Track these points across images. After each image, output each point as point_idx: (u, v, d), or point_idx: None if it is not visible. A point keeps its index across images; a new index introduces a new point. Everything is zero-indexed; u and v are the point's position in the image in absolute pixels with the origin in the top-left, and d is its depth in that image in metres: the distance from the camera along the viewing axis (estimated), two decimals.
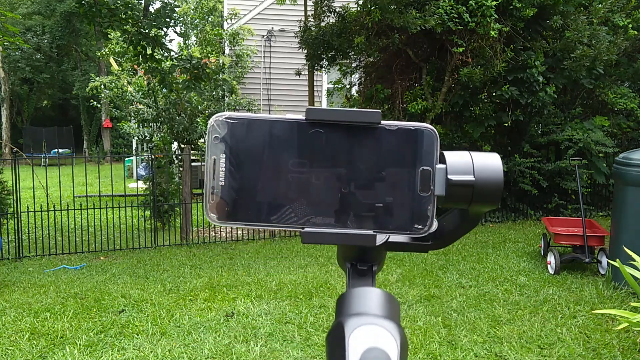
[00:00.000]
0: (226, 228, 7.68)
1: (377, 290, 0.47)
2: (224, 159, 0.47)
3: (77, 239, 7.00)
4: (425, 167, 0.48)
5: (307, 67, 8.68)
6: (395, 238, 0.52)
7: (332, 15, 7.96)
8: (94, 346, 3.56)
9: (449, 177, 0.48)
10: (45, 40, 24.82)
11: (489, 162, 0.48)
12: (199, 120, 11.52)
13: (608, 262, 4.71)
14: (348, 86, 9.24)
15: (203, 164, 12.42)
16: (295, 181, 0.48)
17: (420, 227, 0.49)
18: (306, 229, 0.48)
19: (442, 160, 0.49)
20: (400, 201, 0.48)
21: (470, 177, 0.47)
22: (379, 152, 0.48)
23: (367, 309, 0.45)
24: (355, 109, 0.47)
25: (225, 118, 0.47)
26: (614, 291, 4.46)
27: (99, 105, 18.53)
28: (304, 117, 0.47)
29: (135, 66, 11.54)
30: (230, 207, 0.48)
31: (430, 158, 0.48)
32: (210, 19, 20.73)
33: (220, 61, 11.51)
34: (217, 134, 0.47)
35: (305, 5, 8.99)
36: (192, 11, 21.13)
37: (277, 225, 0.48)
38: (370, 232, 0.48)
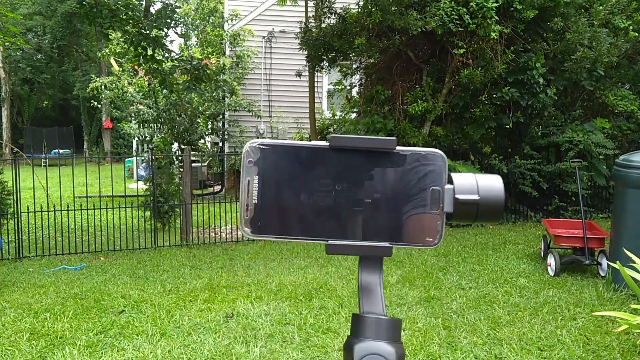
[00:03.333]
0: (226, 229, 7.69)
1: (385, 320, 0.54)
2: (257, 180, 0.53)
3: (77, 240, 7.00)
4: (435, 187, 0.54)
5: (307, 68, 8.68)
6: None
7: (333, 17, 7.97)
8: (93, 347, 3.56)
9: (457, 196, 0.54)
10: (46, 41, 24.84)
11: (492, 183, 0.55)
12: (199, 121, 11.53)
13: (608, 264, 4.70)
14: (348, 87, 9.25)
15: (203, 164, 12.44)
16: (320, 200, 0.54)
17: (430, 239, 0.55)
18: (330, 242, 0.54)
19: (450, 181, 0.55)
20: (413, 217, 0.54)
21: (475, 196, 0.54)
22: (394, 174, 0.54)
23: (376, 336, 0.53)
24: (372, 137, 0.53)
25: (259, 144, 0.54)
26: (614, 293, 4.46)
27: (99, 106, 18.55)
28: (327, 144, 0.53)
29: (136, 67, 11.55)
30: (262, 222, 0.54)
31: (440, 179, 0.54)
32: (211, 20, 20.75)
33: (221, 62, 11.51)
34: (251, 158, 0.53)
35: (306, 6, 8.99)
36: (192, 12, 21.15)
37: (304, 238, 0.55)
38: (387, 244, 0.55)
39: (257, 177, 0.53)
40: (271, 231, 0.54)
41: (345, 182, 0.53)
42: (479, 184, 0.54)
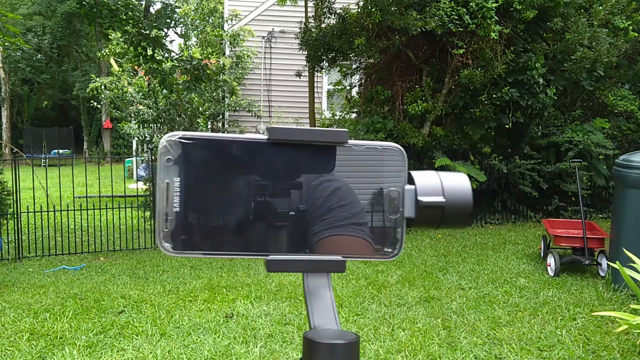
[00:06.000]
0: None
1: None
2: (178, 183, 0.44)
3: (77, 240, 6.99)
4: (393, 189, 0.46)
5: (307, 69, 8.68)
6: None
7: (333, 17, 7.96)
8: (93, 347, 3.56)
9: (419, 198, 0.46)
10: (46, 41, 24.83)
11: (458, 183, 0.47)
12: (199, 121, 11.53)
13: (608, 264, 4.70)
14: (348, 87, 9.25)
15: None
16: (258, 205, 0.44)
17: (390, 250, 0.48)
18: (270, 257, 0.45)
19: (411, 180, 0.47)
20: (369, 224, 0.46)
21: (441, 198, 0.46)
22: (346, 174, 0.46)
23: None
24: (321, 128, 0.45)
25: (179, 138, 0.43)
26: (614, 293, 4.46)
27: (99, 106, 18.54)
28: (266, 137, 0.44)
29: (136, 67, 11.55)
30: (186, 236, 0.44)
31: (399, 179, 0.46)
32: (210, 20, 20.74)
33: (221, 62, 11.52)
34: (170, 156, 0.43)
35: (306, 6, 8.99)
36: (192, 12, 21.14)
37: (239, 254, 0.45)
38: (339, 257, 0.46)
39: (177, 179, 0.44)
40: (198, 246, 0.44)
41: (288, 184, 0.45)
42: (443, 184, 0.46)
